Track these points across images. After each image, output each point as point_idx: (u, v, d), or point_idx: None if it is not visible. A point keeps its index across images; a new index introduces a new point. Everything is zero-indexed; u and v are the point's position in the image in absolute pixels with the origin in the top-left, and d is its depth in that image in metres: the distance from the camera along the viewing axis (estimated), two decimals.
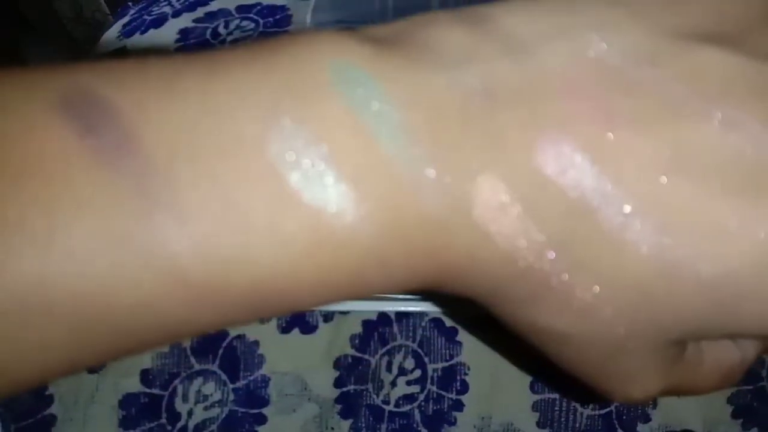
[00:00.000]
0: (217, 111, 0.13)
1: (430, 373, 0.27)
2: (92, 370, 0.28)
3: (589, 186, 0.13)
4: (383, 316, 0.29)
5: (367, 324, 0.28)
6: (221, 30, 0.39)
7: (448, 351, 0.28)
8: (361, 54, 0.14)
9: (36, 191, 0.12)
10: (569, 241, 0.14)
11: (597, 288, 0.14)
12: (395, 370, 0.27)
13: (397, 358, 0.28)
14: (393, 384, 0.27)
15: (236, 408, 0.26)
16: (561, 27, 0.14)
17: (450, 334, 0.28)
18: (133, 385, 0.27)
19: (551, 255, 0.14)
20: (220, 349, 0.28)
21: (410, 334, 0.28)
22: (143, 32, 0.41)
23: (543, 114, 0.14)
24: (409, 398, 0.27)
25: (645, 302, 0.14)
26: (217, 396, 0.27)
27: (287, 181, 0.13)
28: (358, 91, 0.13)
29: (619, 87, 0.14)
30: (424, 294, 0.27)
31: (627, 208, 0.13)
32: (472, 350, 0.28)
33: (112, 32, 0.43)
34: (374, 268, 0.14)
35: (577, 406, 0.28)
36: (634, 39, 0.14)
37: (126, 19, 0.43)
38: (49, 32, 0.94)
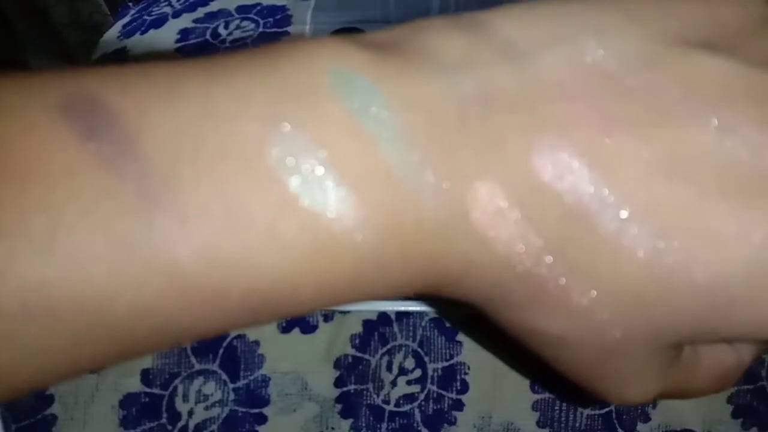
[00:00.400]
0: (217, 115, 0.13)
1: (430, 372, 0.27)
2: (92, 370, 0.28)
3: (586, 191, 0.13)
4: (383, 316, 0.29)
5: (367, 324, 0.28)
6: (221, 30, 0.39)
7: (448, 350, 0.28)
8: (360, 59, 0.14)
9: (37, 194, 0.12)
10: (566, 246, 0.14)
11: (594, 292, 0.14)
12: (395, 370, 0.27)
13: (398, 358, 0.28)
14: (393, 384, 0.27)
15: (237, 408, 0.26)
16: (558, 32, 0.14)
17: (450, 334, 0.28)
18: (134, 384, 0.27)
19: (549, 259, 0.14)
20: (221, 348, 0.28)
21: (410, 333, 0.28)
22: (143, 32, 0.41)
23: (540, 119, 0.14)
24: (409, 398, 0.27)
25: (641, 306, 0.14)
26: (218, 396, 0.27)
27: (287, 186, 0.13)
28: (358, 95, 0.13)
29: (616, 92, 0.14)
30: (424, 297, 0.27)
31: (623, 213, 0.14)
32: (473, 350, 0.28)
33: (113, 32, 0.43)
34: (373, 273, 0.14)
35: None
36: (631, 44, 0.14)
37: (126, 20, 0.43)
38: (43, 38, 0.94)
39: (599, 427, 0.28)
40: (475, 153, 0.14)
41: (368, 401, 0.27)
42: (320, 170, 0.13)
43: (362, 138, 0.13)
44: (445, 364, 0.28)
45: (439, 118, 0.14)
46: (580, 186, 0.14)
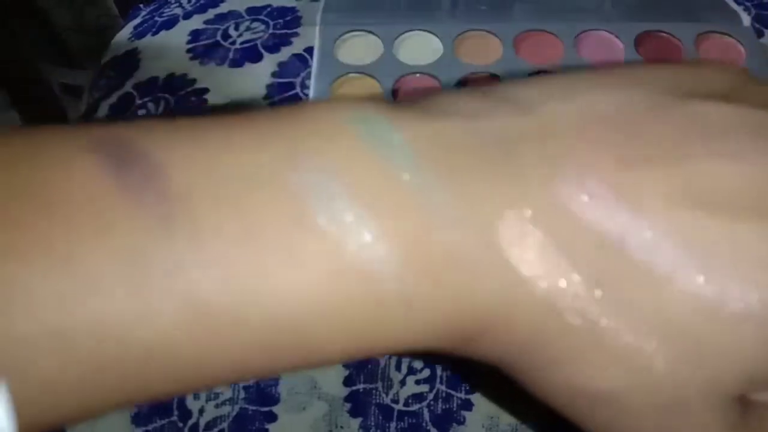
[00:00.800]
0: (238, 150, 0.13)
1: (439, 372, 0.27)
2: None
3: (616, 221, 0.13)
4: None
5: None
6: (231, 32, 0.40)
7: None
8: (376, 108, 0.14)
9: (58, 217, 0.12)
10: (606, 279, 0.13)
11: (643, 332, 0.13)
12: (404, 369, 0.27)
13: (407, 357, 0.28)
14: (402, 383, 0.27)
15: (247, 406, 0.27)
16: (566, 91, 0.15)
17: None
18: None
19: (590, 295, 0.13)
20: None
21: None
22: (154, 34, 0.41)
23: (560, 155, 0.14)
24: (418, 397, 0.27)
25: (693, 346, 0.13)
26: (228, 394, 0.27)
27: (305, 209, 0.13)
28: (376, 132, 0.13)
29: (628, 132, 0.14)
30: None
31: (655, 241, 0.13)
32: None
33: (124, 34, 0.43)
34: (397, 308, 0.13)
35: None
36: (634, 96, 0.15)
37: (137, 21, 0.44)
38: (43, 39, 0.93)
39: None
40: (499, 184, 0.13)
41: (377, 400, 0.27)
42: (339, 195, 0.13)
43: (382, 167, 0.13)
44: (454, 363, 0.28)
45: (459, 153, 0.14)
46: (610, 216, 0.13)
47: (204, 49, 0.39)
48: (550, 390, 0.14)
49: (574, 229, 0.13)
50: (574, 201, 0.13)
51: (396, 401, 0.27)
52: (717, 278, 0.13)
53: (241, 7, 0.41)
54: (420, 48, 0.35)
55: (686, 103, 0.15)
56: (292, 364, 0.14)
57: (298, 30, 0.39)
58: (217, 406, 0.27)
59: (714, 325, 0.13)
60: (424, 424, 0.26)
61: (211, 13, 0.41)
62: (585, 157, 0.14)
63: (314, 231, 0.13)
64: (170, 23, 0.41)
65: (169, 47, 0.40)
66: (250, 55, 0.38)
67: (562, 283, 0.13)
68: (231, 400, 0.27)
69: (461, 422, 0.26)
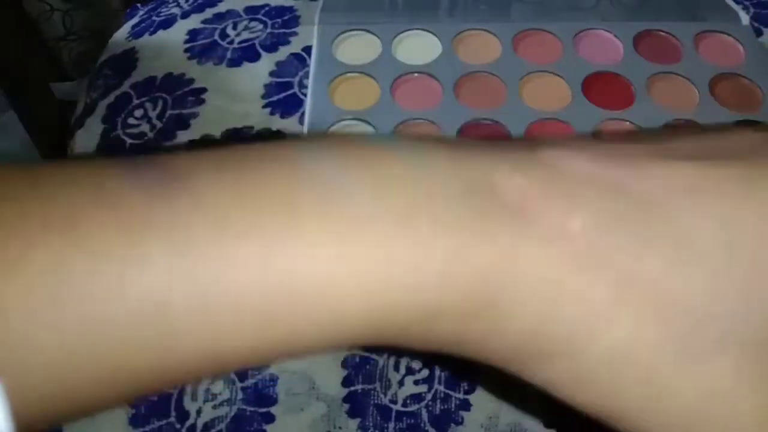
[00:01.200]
0: (241, 151, 0.14)
1: (437, 372, 0.27)
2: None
3: (608, 171, 0.14)
4: None
5: None
6: (229, 31, 0.40)
7: None
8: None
9: (60, 207, 0.12)
10: (613, 219, 0.14)
11: (664, 269, 0.13)
12: (403, 370, 0.27)
13: (405, 358, 0.28)
14: (401, 383, 0.27)
15: (245, 407, 0.27)
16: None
17: None
18: None
19: (600, 236, 0.13)
20: None
21: None
22: (152, 33, 0.41)
23: (545, 150, 0.15)
24: (416, 398, 0.27)
25: (715, 276, 0.14)
26: (226, 395, 0.27)
27: (301, 187, 0.13)
28: (374, 133, 0.15)
29: (604, 141, 0.16)
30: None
31: (648, 183, 0.14)
32: None
33: (121, 33, 0.43)
34: (402, 271, 0.13)
35: None
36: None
37: (135, 20, 0.44)
38: (31, 47, 0.92)
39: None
40: (491, 157, 0.15)
41: (376, 401, 0.27)
42: (334, 166, 0.13)
43: (375, 148, 0.14)
44: (453, 364, 0.28)
45: (453, 144, 0.15)
46: (601, 167, 0.14)
47: (202, 48, 0.39)
48: (561, 378, 0.14)
49: (569, 180, 0.14)
50: (565, 159, 0.15)
51: (394, 402, 0.27)
52: (714, 215, 0.14)
53: (239, 7, 0.41)
54: (418, 47, 0.35)
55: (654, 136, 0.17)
56: (293, 345, 0.14)
57: (297, 29, 0.39)
58: (214, 407, 0.27)
59: (727, 249, 0.14)
60: (422, 425, 0.26)
61: (208, 13, 0.41)
62: (568, 144, 0.15)
63: (309, 209, 0.13)
64: (168, 23, 0.41)
65: (166, 47, 0.39)
66: (248, 54, 0.38)
67: (571, 226, 0.13)
68: (229, 401, 0.27)
69: (459, 422, 0.26)
